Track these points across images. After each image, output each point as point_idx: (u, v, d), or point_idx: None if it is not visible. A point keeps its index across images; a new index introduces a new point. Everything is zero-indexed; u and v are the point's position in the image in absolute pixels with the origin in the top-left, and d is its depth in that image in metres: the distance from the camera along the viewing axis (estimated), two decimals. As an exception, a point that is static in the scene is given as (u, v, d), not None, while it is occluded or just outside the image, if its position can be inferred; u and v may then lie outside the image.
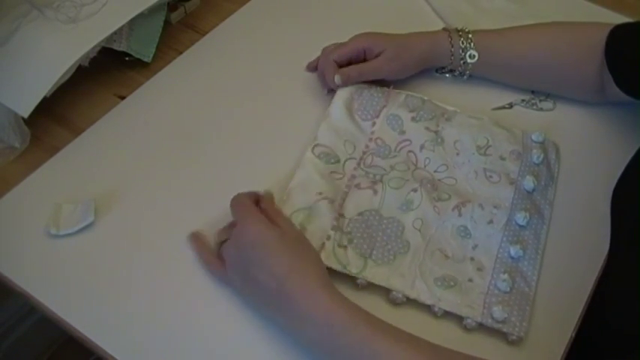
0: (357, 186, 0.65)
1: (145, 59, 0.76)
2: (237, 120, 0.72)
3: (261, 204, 0.58)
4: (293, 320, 0.52)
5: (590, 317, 0.59)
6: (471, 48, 0.74)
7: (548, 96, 0.77)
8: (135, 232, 0.62)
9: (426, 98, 0.73)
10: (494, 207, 0.64)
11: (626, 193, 0.61)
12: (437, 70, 0.78)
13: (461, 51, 0.74)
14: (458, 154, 0.69)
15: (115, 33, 0.70)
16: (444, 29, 0.75)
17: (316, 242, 0.59)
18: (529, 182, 0.66)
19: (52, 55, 0.65)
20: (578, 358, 0.58)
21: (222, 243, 0.58)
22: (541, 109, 0.77)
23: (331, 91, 0.73)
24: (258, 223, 0.54)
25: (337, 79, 0.71)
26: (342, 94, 0.72)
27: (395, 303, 0.58)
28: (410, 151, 0.69)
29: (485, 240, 0.62)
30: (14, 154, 0.67)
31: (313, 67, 0.77)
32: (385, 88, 0.73)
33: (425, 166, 0.68)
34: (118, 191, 0.64)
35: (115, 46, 0.73)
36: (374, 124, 0.70)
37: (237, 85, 0.76)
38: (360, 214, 0.62)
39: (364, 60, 0.73)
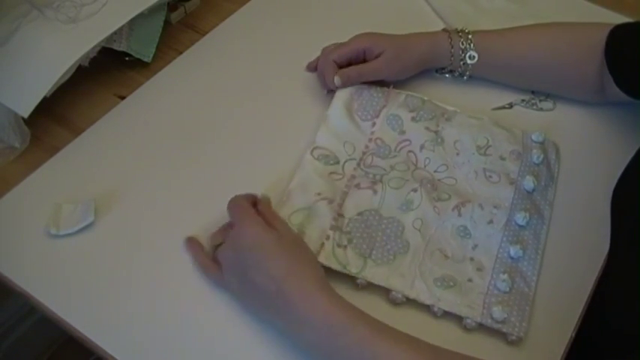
0: (357, 186, 0.64)
1: (145, 59, 0.76)
2: (237, 120, 0.72)
3: (258, 206, 0.58)
4: (291, 323, 0.51)
5: (590, 317, 0.59)
6: (470, 49, 0.74)
7: (548, 96, 0.77)
8: (135, 232, 0.62)
9: (426, 98, 0.73)
10: (494, 207, 0.64)
11: (626, 193, 0.60)
12: (437, 71, 0.78)
13: (461, 52, 0.74)
14: (458, 154, 0.68)
15: (115, 33, 0.70)
16: (444, 30, 0.75)
17: (316, 242, 0.59)
18: (529, 182, 0.66)
19: (52, 55, 0.65)
20: (578, 358, 0.58)
21: (216, 247, 0.58)
22: (541, 109, 0.77)
23: (331, 92, 0.73)
24: (256, 225, 0.54)
25: (337, 80, 0.71)
26: (341, 95, 0.71)
27: (394, 303, 0.58)
28: (410, 151, 0.69)
29: (485, 240, 0.62)
30: (14, 154, 0.67)
31: (313, 68, 0.77)
32: (385, 88, 0.73)
33: (425, 166, 0.68)
34: (118, 191, 0.64)
35: (115, 46, 0.73)
36: (374, 124, 0.70)
37: (237, 85, 0.76)
38: (360, 214, 0.62)
39: (364, 60, 0.73)
